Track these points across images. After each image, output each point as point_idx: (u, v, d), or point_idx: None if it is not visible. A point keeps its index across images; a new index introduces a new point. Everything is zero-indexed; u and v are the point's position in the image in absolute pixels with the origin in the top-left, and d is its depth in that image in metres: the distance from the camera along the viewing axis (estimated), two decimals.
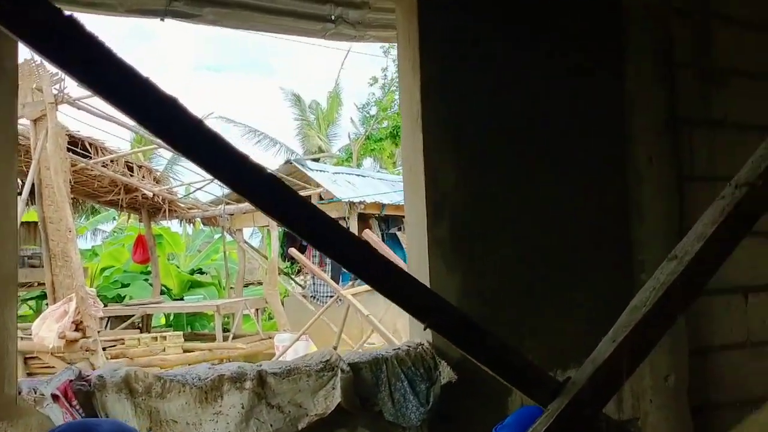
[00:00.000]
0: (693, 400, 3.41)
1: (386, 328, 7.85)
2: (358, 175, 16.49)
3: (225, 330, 12.63)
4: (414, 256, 3.24)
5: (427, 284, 3.05)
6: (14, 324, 2.36)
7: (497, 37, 3.24)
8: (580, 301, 3.26)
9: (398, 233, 14.21)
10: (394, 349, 3.02)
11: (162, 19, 3.17)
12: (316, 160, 19.36)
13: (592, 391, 1.28)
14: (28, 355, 8.82)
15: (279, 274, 14.27)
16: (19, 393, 2.35)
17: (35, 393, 2.39)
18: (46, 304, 10.81)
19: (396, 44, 3.39)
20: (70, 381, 2.41)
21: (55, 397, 2.35)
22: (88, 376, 2.48)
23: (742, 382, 3.61)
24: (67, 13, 0.97)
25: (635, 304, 1.36)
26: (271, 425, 2.61)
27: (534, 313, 3.20)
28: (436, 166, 3.09)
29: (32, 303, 17.56)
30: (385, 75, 25.07)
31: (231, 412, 2.57)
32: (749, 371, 3.63)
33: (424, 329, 1.21)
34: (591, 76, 3.38)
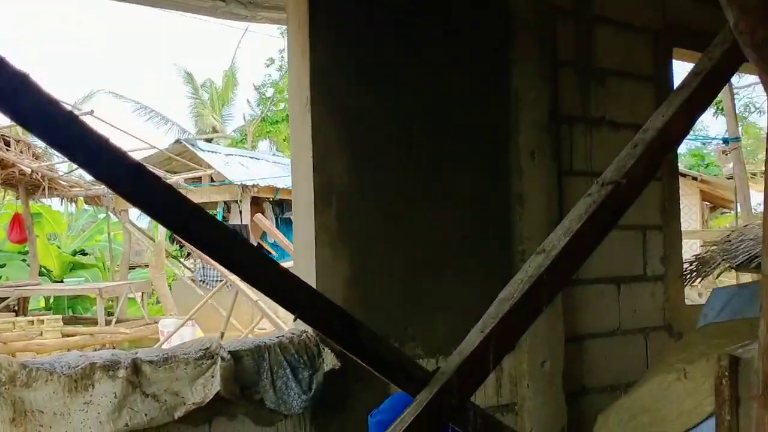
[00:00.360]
0: (568, 386, 3.57)
1: (276, 313, 7.77)
2: (252, 158, 16.20)
3: (109, 314, 12.13)
4: (301, 243, 3.22)
5: (314, 271, 3.04)
6: None
7: (388, 28, 3.25)
8: (462, 290, 3.33)
9: (293, 217, 14.10)
10: (278, 337, 2.98)
11: None
12: (209, 140, 18.85)
13: (459, 381, 1.31)
14: None
15: (167, 257, 13.84)
16: None
17: None
18: None
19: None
20: None
21: None
22: None
23: (613, 367, 3.82)
24: None
25: (503, 296, 1.40)
26: (146, 414, 2.53)
27: (418, 301, 3.25)
28: (324, 154, 3.06)
29: None
30: (282, 56, 24.68)
31: (102, 402, 2.47)
32: (620, 357, 3.85)
33: (294, 320, 1.19)
34: (478, 72, 3.46)
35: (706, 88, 1.62)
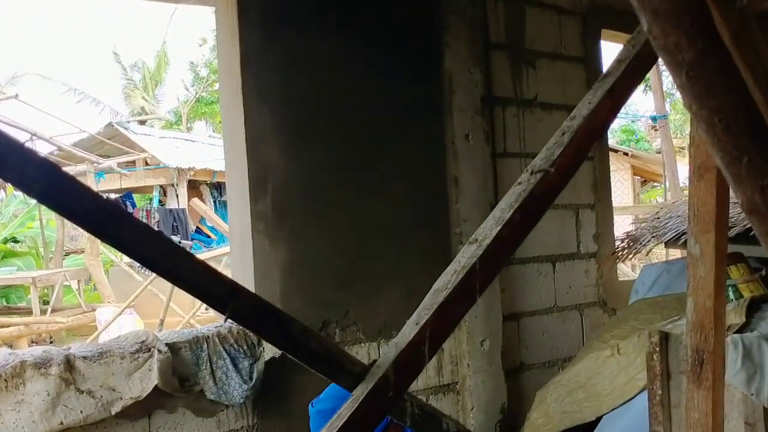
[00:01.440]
0: (507, 363, 3.64)
1: None
2: (188, 140, 15.86)
3: (44, 303, 11.77)
4: (236, 231, 3.18)
5: (251, 259, 3.01)
6: None
7: (319, 11, 3.21)
8: (402, 272, 3.36)
9: (228, 205, 13.88)
10: (216, 327, 2.95)
11: None
12: (143, 123, 18.35)
13: (395, 374, 1.32)
14: None
15: (102, 242, 13.47)
16: None
17: None
18: None
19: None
20: None
21: None
22: None
23: (550, 344, 3.92)
24: None
25: (437, 287, 1.41)
26: (81, 411, 2.48)
27: (358, 286, 3.26)
28: (257, 140, 3.03)
29: None
30: (215, 36, 24.18)
31: (35, 400, 2.41)
32: (556, 333, 3.95)
33: (225, 320, 1.18)
34: (411, 55, 3.45)
35: (631, 75, 1.65)
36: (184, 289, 1.18)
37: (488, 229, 1.48)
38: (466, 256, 1.43)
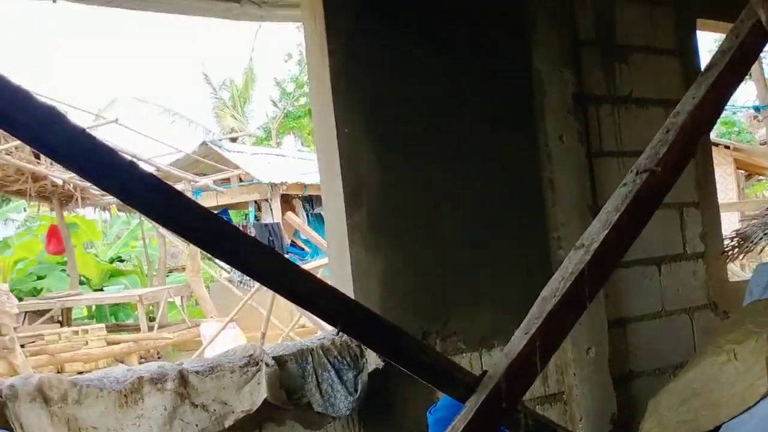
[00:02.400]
0: (614, 371, 3.53)
1: None
2: (279, 155, 16.27)
3: (150, 320, 12.32)
4: (334, 242, 3.22)
5: (349, 272, 3.04)
6: None
7: (405, 20, 3.23)
8: (501, 279, 3.32)
9: (323, 212, 14.15)
10: (319, 339, 3.00)
11: (54, 1, 3.02)
12: (234, 140, 18.97)
13: (507, 385, 1.30)
14: None
15: (202, 258, 14.00)
16: None
17: None
18: None
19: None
20: None
21: None
22: None
23: (659, 349, 3.77)
24: None
25: (545, 294, 1.39)
26: (197, 425, 2.56)
27: (457, 295, 3.24)
28: (351, 152, 3.06)
29: None
30: (300, 51, 24.70)
31: (153, 415, 2.51)
32: (665, 339, 3.79)
33: (337, 333, 1.20)
34: (498, 60, 3.42)
35: (736, 67, 1.58)
36: (297, 304, 1.21)
37: (595, 233, 1.45)
38: (573, 262, 1.40)
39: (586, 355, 3.40)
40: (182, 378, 2.59)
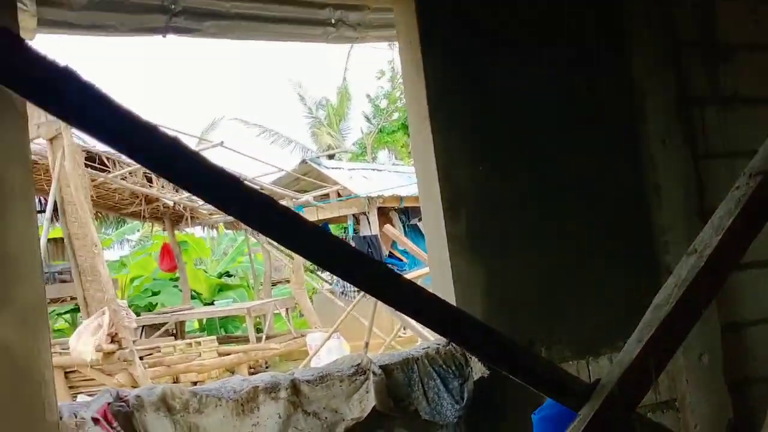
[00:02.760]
0: (730, 377, 3.39)
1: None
2: (374, 170, 16.51)
3: (257, 331, 12.74)
4: (434, 253, 3.25)
5: (451, 282, 3.07)
6: (48, 351, 2.41)
7: (498, 34, 3.24)
8: (607, 287, 3.26)
9: (419, 224, 14.23)
10: (424, 348, 3.03)
11: (164, 36, 3.20)
12: (331, 156, 19.39)
13: (621, 393, 1.30)
14: (67, 369, 8.96)
15: (305, 271, 14.35)
16: (61, 418, 2.40)
17: (76, 417, 2.44)
18: (80, 317, 10.98)
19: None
20: (109, 403, 2.46)
21: (95, 421, 2.40)
22: (125, 396, 2.53)
23: None
24: (62, 64, 0.98)
25: (658, 302, 1.37)
26: None
27: (562, 303, 3.20)
28: (448, 166, 3.10)
29: (67, 317, 17.81)
30: (392, 67, 24.97)
31: (269, 423, 2.61)
32: None
33: (447, 344, 1.23)
34: (595, 66, 3.37)
35: None
36: (409, 315, 1.25)
37: (707, 238, 1.42)
38: (686, 269, 1.38)
39: (698, 361, 3.28)
40: (294, 387, 2.68)
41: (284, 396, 2.65)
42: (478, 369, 2.95)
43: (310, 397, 2.70)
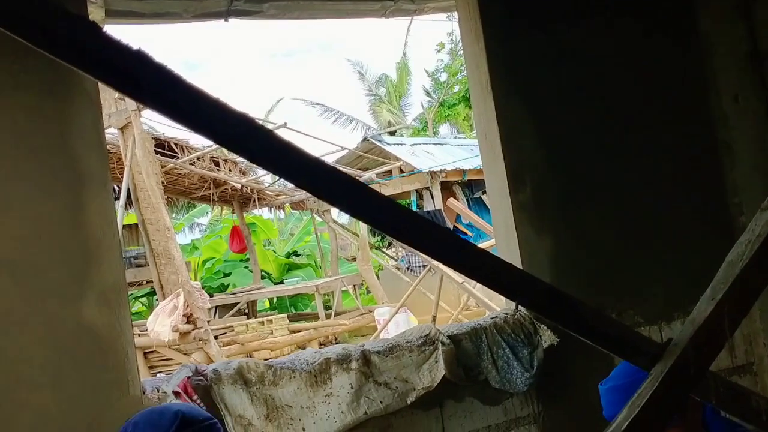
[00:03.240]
0: None
1: (481, 292, 7.87)
2: (436, 144, 16.44)
3: (326, 308, 12.96)
4: (500, 223, 3.24)
5: (517, 251, 3.06)
6: (130, 329, 2.53)
7: (560, 2, 3.17)
8: (677, 251, 3.18)
9: (483, 197, 14.14)
10: (492, 318, 3.04)
11: (226, 20, 3.27)
12: (392, 133, 19.40)
13: (694, 352, 1.28)
14: (147, 350, 9.34)
15: (370, 248, 14.48)
16: (144, 392, 2.51)
17: (158, 391, 2.55)
18: (157, 300, 11.39)
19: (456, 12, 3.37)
20: (188, 377, 2.56)
21: (176, 394, 2.51)
22: (204, 371, 2.62)
23: None
24: (135, 47, 1.02)
25: (731, 259, 1.33)
26: (381, 402, 2.69)
27: (631, 268, 3.15)
28: (511, 134, 3.07)
29: (144, 300, 18.51)
30: (451, 39, 24.68)
31: (341, 393, 2.66)
32: None
33: (516, 308, 1.24)
34: (661, 21, 3.27)
35: None
36: (480, 282, 1.26)
37: None
38: (760, 224, 1.34)
39: None
40: (365, 358, 2.73)
41: (355, 367, 2.70)
42: (547, 337, 2.94)
43: (380, 368, 2.74)
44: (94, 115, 2.52)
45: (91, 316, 2.43)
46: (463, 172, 13.73)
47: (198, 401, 2.50)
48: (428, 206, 14.05)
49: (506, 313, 3.04)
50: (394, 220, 1.15)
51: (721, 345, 1.30)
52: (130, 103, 9.11)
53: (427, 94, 26.39)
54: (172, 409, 1.73)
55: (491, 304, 7.20)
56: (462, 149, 15.21)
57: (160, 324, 8.88)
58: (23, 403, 2.33)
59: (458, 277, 7.61)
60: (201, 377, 2.60)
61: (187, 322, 8.93)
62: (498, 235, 3.36)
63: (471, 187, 14.56)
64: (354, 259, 16.55)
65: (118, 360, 2.46)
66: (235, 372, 2.62)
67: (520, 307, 3.05)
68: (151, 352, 9.49)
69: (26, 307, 2.36)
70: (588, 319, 1.26)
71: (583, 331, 1.26)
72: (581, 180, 3.13)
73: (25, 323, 2.36)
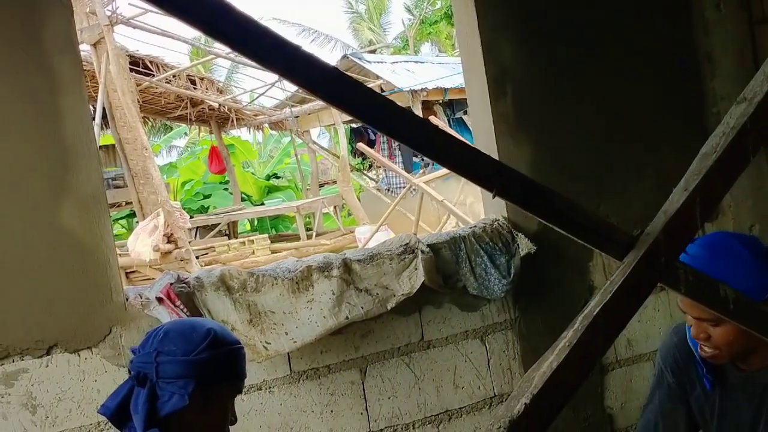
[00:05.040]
0: None
1: (462, 212, 7.94)
2: (417, 62, 16.19)
3: (307, 229, 13.04)
4: (480, 134, 3.25)
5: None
6: (110, 237, 2.54)
7: None
8: (653, 161, 3.21)
9: (464, 117, 14.07)
10: (471, 228, 3.08)
11: None
12: (373, 51, 19.07)
13: (666, 241, 1.31)
14: (128, 270, 9.39)
15: (351, 170, 14.46)
16: (126, 299, 2.54)
17: (141, 298, 2.58)
18: (136, 222, 11.38)
19: None
20: (171, 284, 2.59)
21: (159, 300, 2.54)
22: (186, 278, 2.65)
23: None
24: None
25: (705, 151, 1.36)
26: (362, 307, 2.75)
27: (608, 179, 3.18)
28: (492, 43, 3.03)
29: (123, 222, 18.49)
30: None
31: (323, 299, 2.71)
32: None
33: (493, 197, 1.25)
34: None
35: None
36: (456, 172, 1.27)
37: (758, 85, 1.38)
38: (734, 117, 1.36)
39: (749, 232, 3.25)
40: (346, 266, 2.77)
41: (336, 274, 2.74)
42: (524, 245, 3.00)
43: (361, 275, 2.79)
44: (66, 20, 2.45)
45: (71, 223, 2.43)
46: (445, 91, 13.58)
47: (182, 307, 2.54)
48: None
49: (485, 223, 3.09)
50: (374, 108, 1.15)
51: (693, 234, 1.33)
52: (102, 18, 8.84)
53: (408, 11, 25.83)
54: (206, 325, 1.75)
55: (471, 222, 7.28)
56: (444, 68, 15.00)
57: (141, 243, 8.91)
58: (6, 308, 2.35)
59: (438, 195, 7.66)
60: (184, 284, 2.63)
61: (168, 242, 8.96)
62: (478, 146, 3.36)
63: (452, 106, 14.45)
64: (334, 182, 16.57)
65: (100, 267, 2.48)
66: (217, 279, 2.66)
67: (498, 216, 3.10)
68: (133, 272, 9.54)
69: (5, 213, 2.36)
70: (563, 209, 1.28)
71: (558, 220, 1.29)
72: (561, 88, 3.11)
73: (5, 229, 2.36)
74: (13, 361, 2.39)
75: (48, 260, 2.41)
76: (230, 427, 1.83)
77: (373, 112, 1.20)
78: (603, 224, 1.34)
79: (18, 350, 2.39)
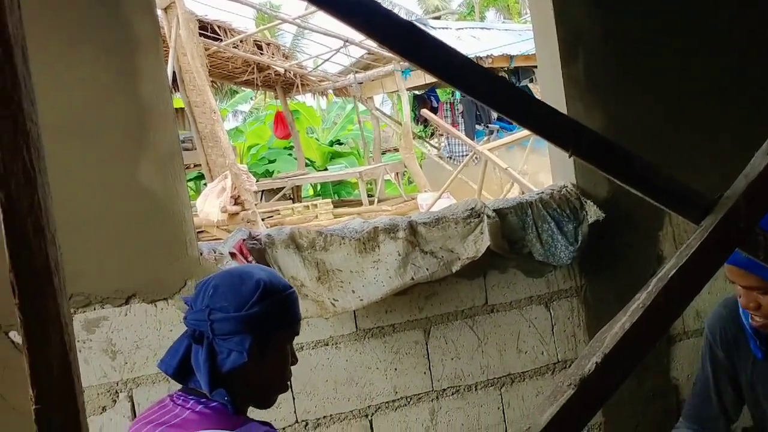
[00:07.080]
0: None
1: (526, 180, 7.85)
2: (483, 29, 15.92)
3: (369, 195, 13.12)
4: (549, 98, 3.19)
5: None
6: (186, 194, 2.62)
7: None
8: (738, 130, 3.10)
9: (530, 85, 13.81)
10: (538, 193, 3.06)
11: None
12: (438, 18, 18.82)
13: (746, 206, 1.28)
14: (197, 230, 9.64)
15: (413, 138, 14.43)
16: (201, 254, 2.63)
17: (215, 253, 2.67)
18: (204, 184, 11.65)
19: None
20: (243, 240, 2.67)
21: (232, 255, 2.63)
22: (258, 235, 2.73)
23: None
24: None
25: None
26: (427, 269, 2.78)
27: (683, 146, 3.10)
28: (565, 5, 2.96)
29: (191, 184, 18.95)
30: None
31: (389, 259, 2.75)
32: None
33: (570, 156, 1.25)
34: None
35: None
36: (532, 131, 1.27)
37: None
38: None
39: None
40: (412, 228, 2.80)
41: (402, 236, 2.78)
42: (593, 212, 2.96)
43: (426, 238, 2.81)
44: None
45: (149, 179, 2.52)
46: (510, 57, 13.33)
47: (253, 262, 2.62)
48: None
49: (552, 189, 3.06)
50: (450, 64, 1.16)
51: None
52: None
53: None
54: (254, 277, 1.71)
55: (535, 190, 7.19)
56: (509, 34, 14.71)
57: (210, 205, 9.13)
58: (88, 259, 2.47)
59: (502, 163, 7.59)
60: (255, 241, 2.70)
61: (235, 204, 9.15)
62: None
63: (518, 74, 14.20)
64: (396, 150, 16.56)
65: (176, 221, 2.57)
66: (287, 237, 2.73)
67: (566, 182, 3.06)
68: (201, 232, 9.80)
69: (85, 170, 2.46)
70: (639, 170, 1.27)
71: (634, 181, 1.27)
72: (635, 54, 3.03)
73: (86, 185, 2.46)
74: (95, 309, 2.51)
75: (127, 214, 2.51)
76: (296, 378, 1.85)
77: (451, 70, 1.21)
78: (680, 186, 1.32)
79: (99, 299, 2.51)
